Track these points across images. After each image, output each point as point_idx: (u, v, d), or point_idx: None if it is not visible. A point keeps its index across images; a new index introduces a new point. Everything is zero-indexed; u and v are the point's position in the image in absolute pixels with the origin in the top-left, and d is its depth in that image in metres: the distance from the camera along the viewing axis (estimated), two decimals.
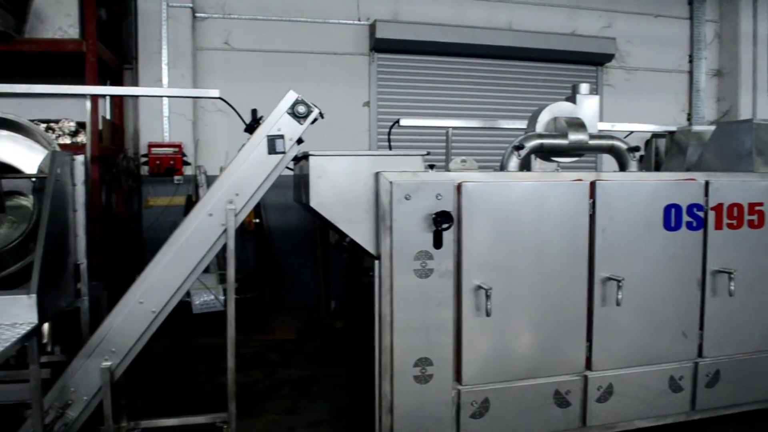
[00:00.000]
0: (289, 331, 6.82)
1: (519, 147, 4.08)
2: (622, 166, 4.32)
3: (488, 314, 3.48)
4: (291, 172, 4.20)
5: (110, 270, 6.27)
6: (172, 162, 6.98)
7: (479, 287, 3.52)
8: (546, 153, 4.24)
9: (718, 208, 4.00)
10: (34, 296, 2.85)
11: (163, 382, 5.15)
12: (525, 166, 4.14)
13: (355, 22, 8.06)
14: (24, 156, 3.56)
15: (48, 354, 3.92)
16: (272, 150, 3.55)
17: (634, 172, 4.25)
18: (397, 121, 5.71)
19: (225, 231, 3.54)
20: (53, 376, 3.53)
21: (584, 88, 4.37)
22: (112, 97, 7.20)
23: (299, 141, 3.62)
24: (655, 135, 6.10)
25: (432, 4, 8.28)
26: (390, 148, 5.59)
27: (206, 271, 5.74)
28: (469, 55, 8.37)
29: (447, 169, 4.88)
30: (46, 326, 3.89)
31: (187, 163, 7.23)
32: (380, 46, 7.97)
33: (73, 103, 6.35)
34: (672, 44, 9.36)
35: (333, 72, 7.96)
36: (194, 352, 5.89)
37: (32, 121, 3.88)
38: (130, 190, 7.26)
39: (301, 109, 3.59)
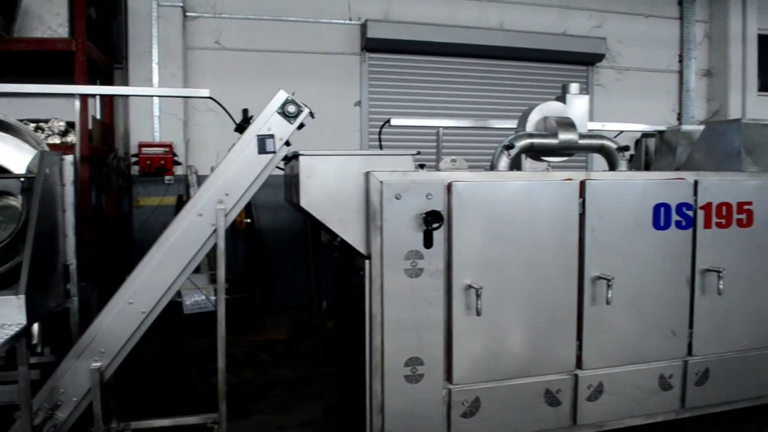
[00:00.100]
0: (281, 331, 6.81)
1: (509, 146, 4.09)
2: (612, 166, 4.34)
3: (479, 313, 3.49)
4: (283, 172, 4.20)
5: (100, 270, 6.24)
6: (162, 162, 6.96)
7: (470, 287, 3.53)
8: (536, 153, 4.25)
9: (707, 207, 4.03)
10: (22, 297, 2.83)
11: (154, 382, 5.13)
12: (515, 165, 4.15)
13: (347, 21, 8.05)
14: (13, 156, 3.53)
15: (37, 355, 3.88)
16: (262, 150, 3.55)
17: (623, 171, 4.27)
18: (388, 121, 5.71)
19: (215, 231, 3.54)
20: (42, 377, 3.52)
21: (574, 87, 4.38)
22: (102, 96, 7.16)
23: (287, 143, 3.62)
24: (645, 135, 6.13)
25: (423, 3, 8.28)
26: (381, 147, 5.58)
27: (197, 271, 5.75)
28: (461, 55, 8.38)
29: (437, 168, 4.89)
30: (35, 327, 3.86)
31: (178, 163, 7.21)
32: (372, 45, 7.96)
33: (63, 103, 6.30)
34: (662, 44, 9.41)
35: (324, 72, 7.95)
36: (185, 353, 5.87)
37: (22, 120, 3.85)
38: (120, 190, 7.23)
39: (292, 108, 3.58)
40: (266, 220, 7.67)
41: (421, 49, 8.14)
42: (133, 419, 3.80)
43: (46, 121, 6.08)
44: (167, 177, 7.14)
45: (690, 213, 3.98)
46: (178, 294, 5.87)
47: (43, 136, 5.77)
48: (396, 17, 8.17)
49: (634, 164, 5.98)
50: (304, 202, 3.44)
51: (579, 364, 3.84)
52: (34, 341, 3.87)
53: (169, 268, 3.51)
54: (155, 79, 7.23)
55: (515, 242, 3.65)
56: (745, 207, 4.12)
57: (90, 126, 6.29)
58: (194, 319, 6.03)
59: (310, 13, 7.89)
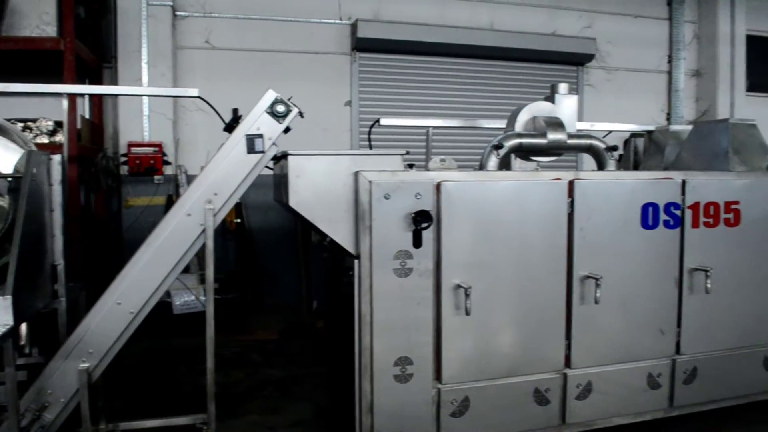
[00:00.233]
0: (271, 332, 6.79)
1: (498, 146, 4.09)
2: (601, 166, 4.35)
3: (468, 313, 3.49)
4: (272, 172, 4.19)
5: (89, 270, 6.21)
6: (152, 161, 6.93)
7: (459, 286, 3.54)
8: (525, 152, 4.26)
9: (695, 206, 4.05)
10: (9, 297, 2.80)
11: (143, 383, 5.11)
12: (505, 165, 4.15)
13: (337, 21, 8.04)
14: None
15: (25, 356, 3.87)
16: (251, 149, 3.54)
17: (612, 171, 4.28)
18: (377, 121, 5.71)
19: (204, 231, 3.53)
20: (30, 378, 3.49)
21: (563, 87, 4.39)
22: (91, 96, 7.12)
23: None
24: (634, 134, 6.15)
25: (414, 3, 8.29)
26: (370, 147, 5.59)
27: (187, 271, 5.74)
28: (451, 55, 8.39)
29: (427, 168, 4.89)
30: (23, 328, 3.84)
31: (168, 163, 7.18)
32: (362, 45, 7.96)
33: (52, 102, 6.27)
34: (651, 45, 9.46)
35: (314, 71, 7.93)
36: (175, 353, 5.85)
37: (9, 120, 3.83)
38: (109, 190, 7.18)
39: (280, 108, 3.58)
40: (256, 220, 7.65)
41: (412, 49, 8.14)
42: (121, 420, 3.78)
43: (34, 121, 6.04)
44: (157, 177, 7.11)
45: (678, 212, 4.00)
46: (168, 294, 5.85)
47: (31, 135, 5.74)
48: (386, 17, 8.16)
49: (622, 164, 6.00)
50: (293, 202, 3.43)
51: (568, 363, 3.85)
52: (22, 342, 3.85)
53: (157, 268, 3.50)
54: (144, 79, 7.19)
55: (504, 242, 3.65)
56: (733, 206, 4.15)
57: (79, 125, 6.25)
58: (184, 320, 6.00)
59: (301, 13, 7.87)
